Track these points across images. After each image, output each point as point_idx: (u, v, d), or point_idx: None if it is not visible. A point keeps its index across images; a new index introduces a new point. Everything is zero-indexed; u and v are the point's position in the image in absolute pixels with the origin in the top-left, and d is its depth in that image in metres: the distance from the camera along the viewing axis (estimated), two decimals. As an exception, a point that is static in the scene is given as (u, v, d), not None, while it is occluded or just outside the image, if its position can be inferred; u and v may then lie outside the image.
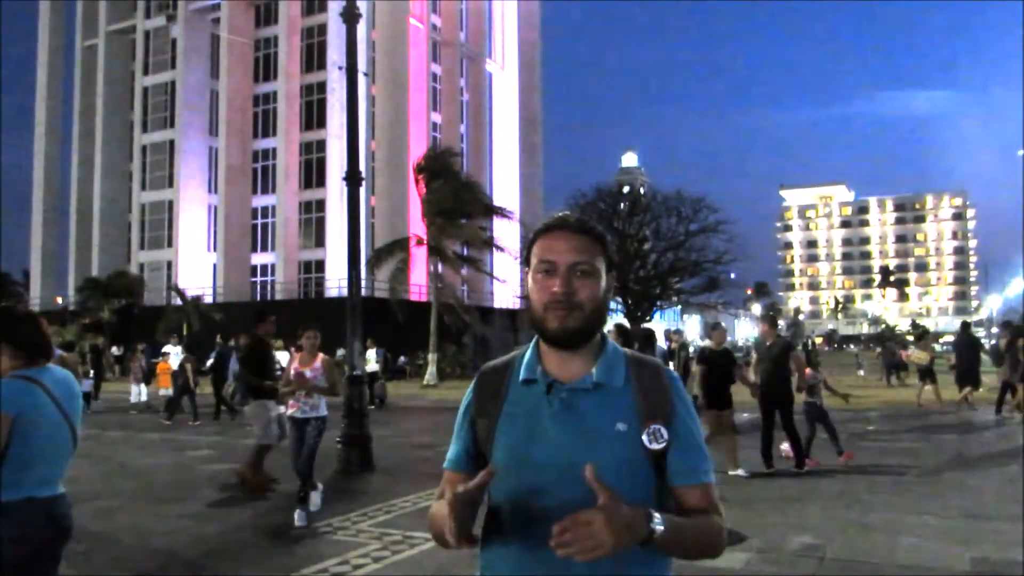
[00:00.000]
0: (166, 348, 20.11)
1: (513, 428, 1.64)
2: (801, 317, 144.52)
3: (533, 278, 1.65)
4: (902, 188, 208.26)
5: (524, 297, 1.69)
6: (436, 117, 55.20)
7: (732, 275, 50.05)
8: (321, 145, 50.07)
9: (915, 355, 20.13)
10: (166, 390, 18.84)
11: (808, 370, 10.68)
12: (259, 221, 52.98)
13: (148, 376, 21.17)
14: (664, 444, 1.60)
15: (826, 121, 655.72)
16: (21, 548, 2.89)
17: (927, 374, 18.83)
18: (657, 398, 1.63)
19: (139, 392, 20.72)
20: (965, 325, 18.66)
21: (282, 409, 7.65)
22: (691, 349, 16.96)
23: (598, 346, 1.68)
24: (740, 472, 9.39)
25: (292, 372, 7.58)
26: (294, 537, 6.80)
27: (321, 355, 7.69)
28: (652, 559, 1.58)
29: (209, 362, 19.13)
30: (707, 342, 10.67)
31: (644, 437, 1.59)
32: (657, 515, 1.47)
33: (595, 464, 1.53)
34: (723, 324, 11.76)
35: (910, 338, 60.17)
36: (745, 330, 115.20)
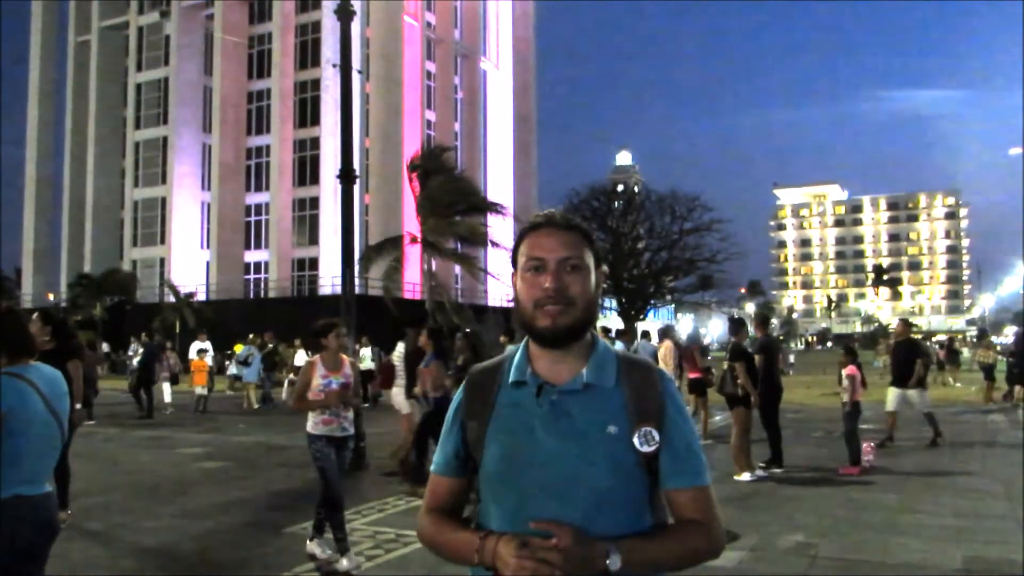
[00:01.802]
0: (199, 345, 19.71)
1: (504, 431, 1.62)
2: (795, 316, 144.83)
3: (522, 276, 1.63)
4: (895, 187, 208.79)
5: (514, 299, 1.66)
6: (430, 115, 55.15)
7: (721, 272, 50.11)
8: (315, 142, 49.96)
9: (980, 354, 20.47)
10: (201, 388, 18.70)
11: (851, 368, 10.22)
12: (252, 218, 52.87)
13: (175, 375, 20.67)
14: (655, 447, 1.58)
15: (820, 120, 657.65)
16: (9, 546, 2.88)
17: (989, 373, 19.45)
18: (648, 400, 1.61)
19: (167, 391, 20.01)
20: None
21: (311, 428, 6.02)
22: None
23: (588, 346, 1.65)
24: (746, 476, 9.17)
25: (319, 380, 5.97)
26: (287, 536, 6.78)
27: (346, 357, 6.30)
28: None
29: (136, 360, 18.85)
30: (732, 338, 10.20)
31: (635, 439, 1.57)
32: (615, 553, 1.48)
33: (587, 467, 1.54)
34: (746, 321, 11.35)
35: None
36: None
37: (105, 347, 40.75)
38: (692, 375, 13.19)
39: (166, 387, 19.94)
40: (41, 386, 3.02)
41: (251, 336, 21.67)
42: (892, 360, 12.09)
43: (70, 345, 6.99)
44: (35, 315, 6.91)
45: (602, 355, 1.65)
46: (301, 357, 20.25)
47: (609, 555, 1.47)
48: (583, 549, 1.46)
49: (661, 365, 12.20)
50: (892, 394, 11.70)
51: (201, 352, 19.25)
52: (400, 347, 10.34)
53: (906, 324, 12.65)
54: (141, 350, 19.76)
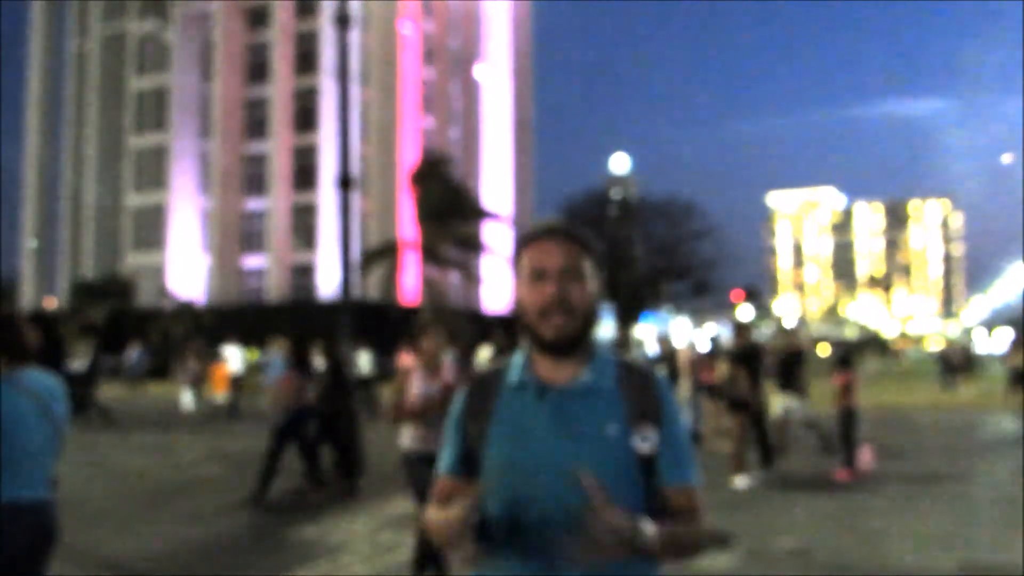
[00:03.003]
0: (222, 351, 19.16)
1: (506, 433, 1.67)
2: (785, 322, 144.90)
3: (524, 285, 1.68)
4: (890, 193, 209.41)
5: (515, 306, 1.71)
6: (428, 122, 55.18)
7: (710, 276, 50.27)
8: (313, 149, 50.03)
9: (1011, 360, 20.20)
10: (222, 395, 18.21)
11: (846, 376, 10.11)
12: (251, 224, 52.85)
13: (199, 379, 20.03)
14: (653, 447, 1.64)
15: (816, 126, 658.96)
16: (6, 551, 2.88)
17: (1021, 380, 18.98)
18: (646, 402, 1.67)
19: (190, 398, 19.33)
20: None
21: (407, 442, 5.24)
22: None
23: (588, 349, 1.71)
24: (741, 481, 9.10)
25: (418, 388, 5.18)
26: (285, 540, 6.83)
27: (447, 360, 5.55)
28: (640, 561, 1.61)
29: (77, 364, 18.38)
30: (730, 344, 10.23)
31: (633, 440, 1.63)
32: (648, 525, 1.52)
33: (586, 467, 1.56)
34: (746, 325, 11.28)
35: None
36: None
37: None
38: (705, 381, 13.26)
39: (184, 392, 19.48)
40: (37, 391, 3.02)
41: (267, 340, 21.26)
42: (778, 367, 11.38)
43: (48, 348, 6.97)
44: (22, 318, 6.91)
45: (601, 358, 1.71)
46: (319, 361, 20.06)
47: (638, 524, 1.50)
48: (615, 516, 1.48)
49: (683, 372, 12.42)
50: (778, 401, 10.78)
51: (218, 358, 18.76)
52: (486, 351, 10.28)
53: (787, 333, 12.17)
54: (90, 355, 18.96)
